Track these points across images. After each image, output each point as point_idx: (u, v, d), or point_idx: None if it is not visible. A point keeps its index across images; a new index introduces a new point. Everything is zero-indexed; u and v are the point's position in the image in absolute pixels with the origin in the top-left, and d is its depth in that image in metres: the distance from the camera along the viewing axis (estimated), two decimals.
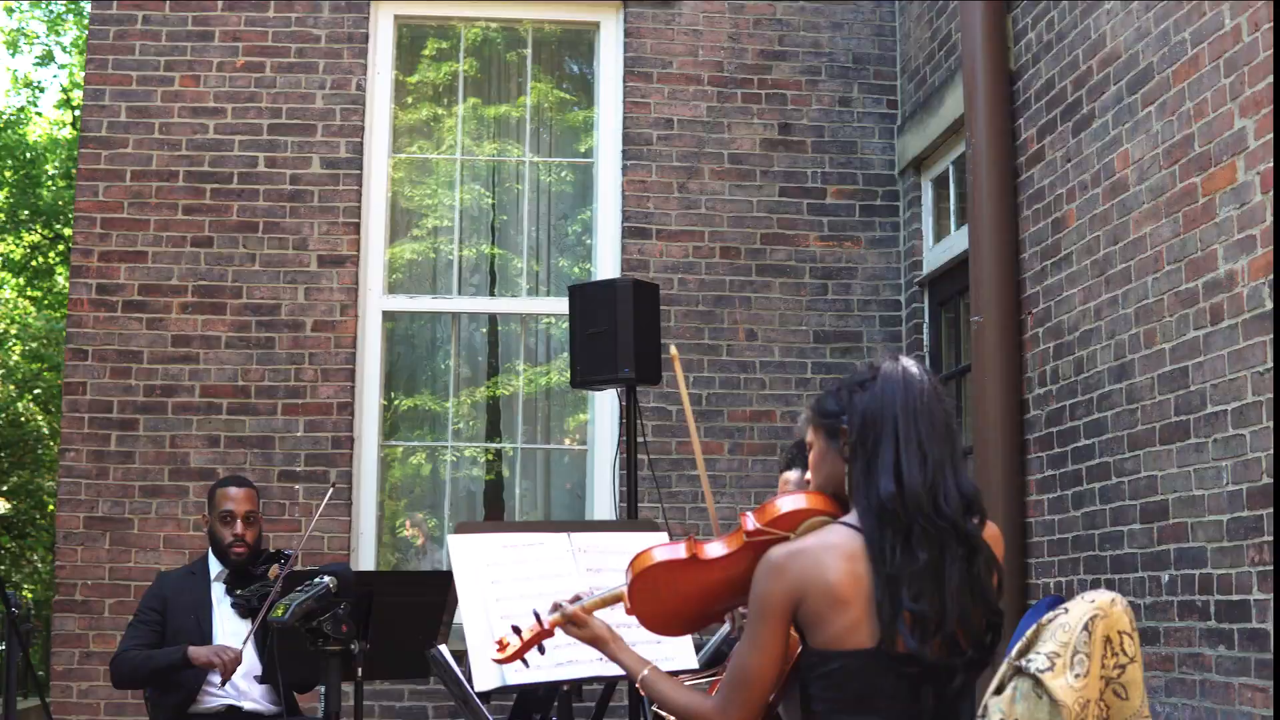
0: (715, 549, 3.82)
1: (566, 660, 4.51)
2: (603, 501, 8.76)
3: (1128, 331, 6.49)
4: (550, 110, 9.62)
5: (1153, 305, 6.30)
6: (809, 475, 3.86)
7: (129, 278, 8.69)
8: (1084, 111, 6.96)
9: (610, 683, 6.60)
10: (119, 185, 8.75)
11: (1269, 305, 5.48)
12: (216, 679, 6.54)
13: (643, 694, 3.90)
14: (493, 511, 9.28)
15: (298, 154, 8.79)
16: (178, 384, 8.58)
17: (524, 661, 4.09)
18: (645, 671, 3.84)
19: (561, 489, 9.28)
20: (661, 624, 3.95)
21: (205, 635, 6.73)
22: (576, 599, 4.04)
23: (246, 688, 6.64)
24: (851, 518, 3.60)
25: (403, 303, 9.12)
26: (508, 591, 4.56)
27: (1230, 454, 5.69)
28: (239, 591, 6.78)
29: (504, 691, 4.97)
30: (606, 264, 9.01)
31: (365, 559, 8.52)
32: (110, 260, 8.70)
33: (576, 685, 4.95)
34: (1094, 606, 3.64)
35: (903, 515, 3.50)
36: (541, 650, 4.12)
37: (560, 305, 9.20)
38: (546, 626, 4.00)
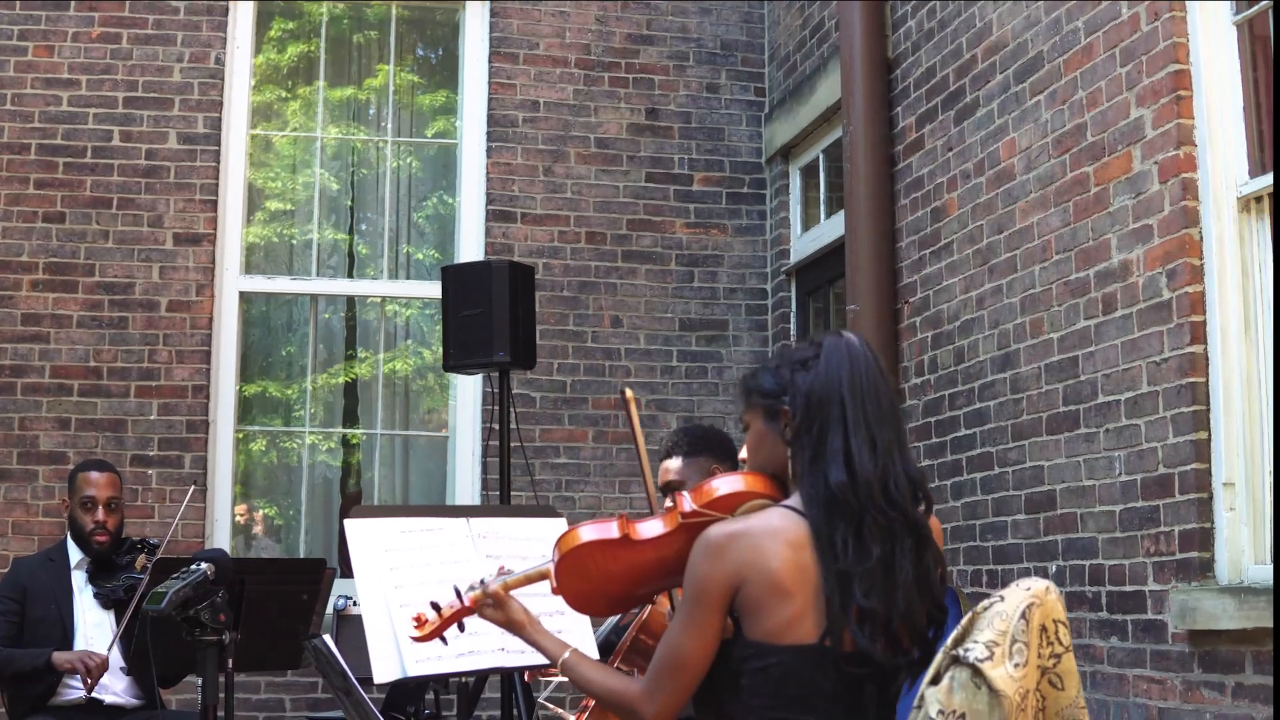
0: (648, 529, 3.65)
1: (468, 650, 4.33)
2: (464, 489, 8.57)
3: (1012, 321, 6.45)
4: (414, 90, 9.39)
5: (1040, 294, 6.27)
6: (743, 455, 3.71)
7: None
8: (967, 100, 6.92)
9: (483, 676, 6.43)
10: None
11: (1166, 295, 5.46)
12: (79, 684, 6.25)
13: (565, 678, 3.74)
14: (349, 500, 9.03)
15: (154, 128, 8.48)
16: (27, 364, 8.22)
17: (442, 639, 3.90)
18: (566, 655, 3.66)
19: (421, 476, 9.07)
20: (587, 604, 3.80)
21: (66, 626, 6.41)
22: (501, 574, 3.86)
23: (109, 681, 6.34)
24: (795, 502, 3.42)
25: (260, 284, 8.84)
26: (407, 579, 4.36)
27: (1123, 444, 5.66)
28: (106, 584, 6.48)
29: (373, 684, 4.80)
30: (470, 248, 8.81)
31: (220, 547, 8.23)
32: None
33: (456, 678, 4.79)
34: (1030, 594, 3.51)
35: (854, 506, 3.32)
36: (461, 628, 3.94)
37: (421, 289, 9.01)
38: (468, 603, 3.81)
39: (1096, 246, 5.90)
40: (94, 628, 6.46)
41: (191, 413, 8.32)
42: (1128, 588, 5.60)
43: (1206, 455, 5.28)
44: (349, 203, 9.25)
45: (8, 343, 8.21)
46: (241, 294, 8.69)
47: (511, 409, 7.13)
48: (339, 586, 6.99)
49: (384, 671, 4.24)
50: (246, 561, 7.21)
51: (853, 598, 3.28)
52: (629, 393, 4.06)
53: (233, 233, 8.63)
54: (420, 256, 9.23)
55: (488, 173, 8.87)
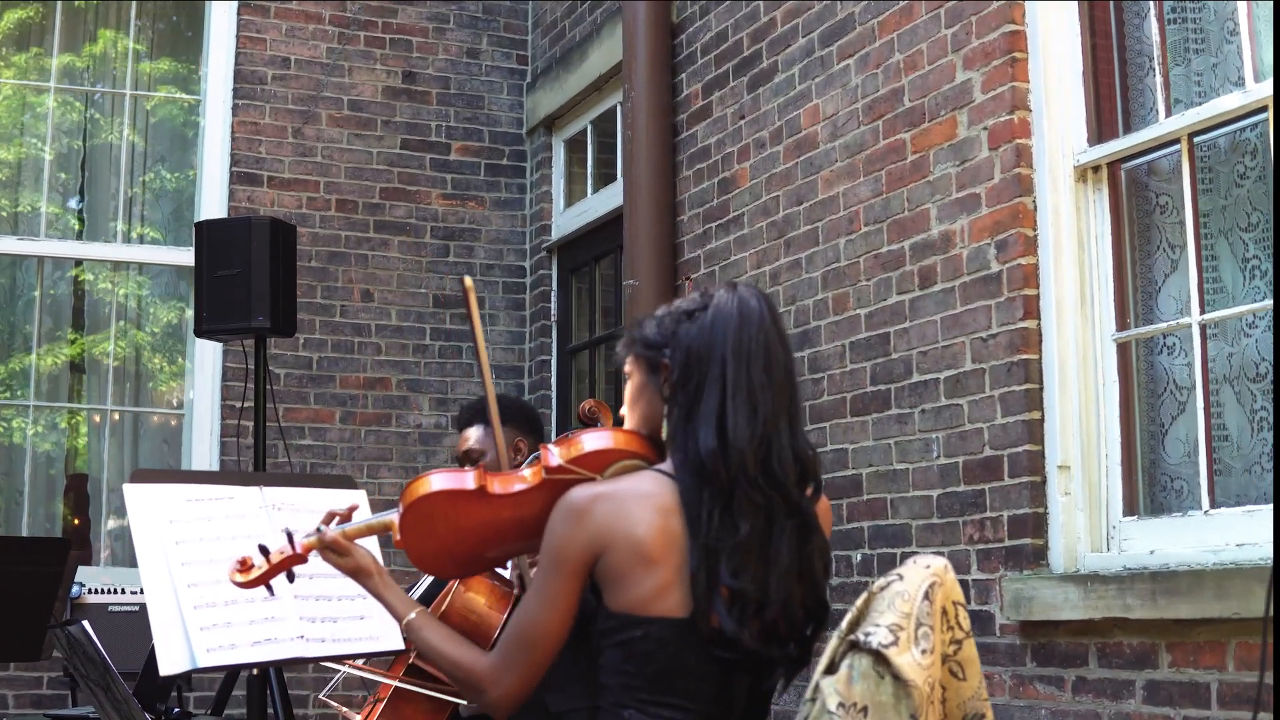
0: (508, 483, 3.21)
1: (264, 638, 3.78)
2: (201, 468, 7.91)
3: (812, 297, 6.11)
4: (156, 41, 8.65)
5: (845, 269, 5.94)
6: (624, 411, 3.27)
7: None
8: (764, 65, 6.57)
9: (233, 672, 5.83)
10: None
11: (995, 267, 5.16)
12: None
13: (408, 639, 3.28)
14: (74, 482, 8.28)
15: None
16: None
17: (268, 588, 3.36)
18: (412, 614, 3.22)
19: (154, 457, 8.36)
20: (433, 562, 3.35)
21: None
22: (335, 519, 3.35)
23: None
24: (668, 466, 3.06)
25: None
26: (194, 554, 3.80)
27: (942, 425, 5.36)
28: None
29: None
30: (212, 211, 8.14)
31: None
32: None
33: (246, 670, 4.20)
34: (930, 573, 3.11)
35: (724, 476, 2.97)
36: (290, 578, 3.41)
37: (157, 254, 8.33)
38: (299, 550, 3.32)
39: (913, 217, 5.59)
40: None
41: None
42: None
43: (1040, 436, 4.99)
44: (84, 158, 8.47)
45: None
46: None
47: (269, 383, 6.53)
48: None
49: (170, 662, 3.67)
50: None
51: (719, 576, 2.94)
52: (468, 281, 3.59)
53: None
54: (157, 221, 8.52)
55: (233, 132, 8.25)
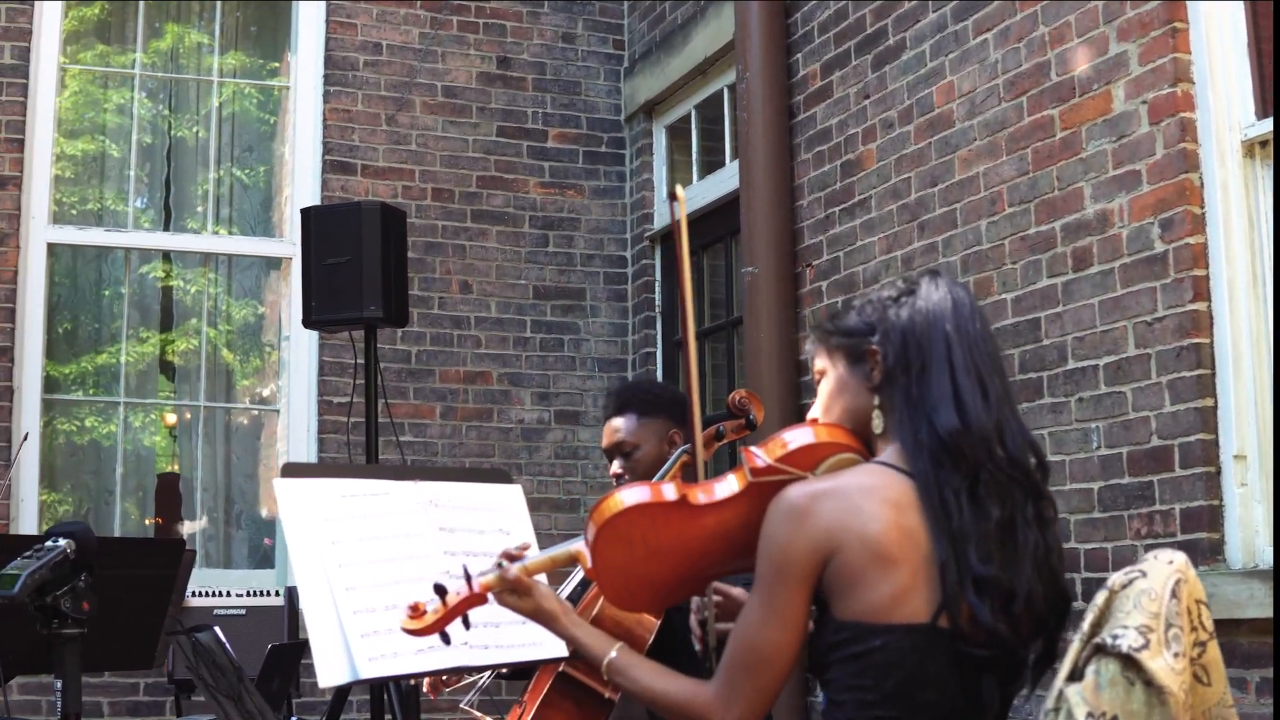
0: (710, 491, 2.90)
1: (428, 645, 3.50)
2: None
3: None
4: (244, 27, 8.44)
5: (989, 251, 5.68)
6: (813, 415, 3.01)
7: None
8: (889, 43, 6.33)
9: (344, 690, 5.54)
10: None
11: (1160, 247, 4.90)
12: None
13: (612, 681, 2.98)
14: (166, 482, 8.07)
15: None
16: None
17: (443, 637, 3.07)
18: (613, 653, 2.91)
19: (248, 453, 8.15)
20: (629, 593, 2.99)
21: None
22: (511, 557, 3.05)
23: None
24: (889, 457, 2.80)
25: (70, 235, 7.85)
26: (351, 555, 3.52)
27: (1102, 414, 5.10)
28: None
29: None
30: (304, 201, 7.91)
31: (27, 530, 7.21)
32: None
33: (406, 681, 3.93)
34: (1174, 569, 2.85)
35: (969, 457, 2.71)
36: (466, 623, 3.10)
37: (247, 245, 8.14)
38: (477, 590, 2.98)
39: (1064, 196, 5.33)
40: None
41: None
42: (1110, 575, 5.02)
43: (1213, 425, 4.73)
44: (170, 148, 8.26)
45: None
46: (50, 245, 7.69)
47: (379, 377, 6.30)
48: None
49: (330, 673, 3.39)
50: (99, 540, 6.18)
51: (970, 566, 2.68)
52: (680, 191, 3.19)
53: (40, 176, 7.62)
54: (241, 214, 8.32)
55: (324, 119, 8.02)
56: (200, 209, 8.20)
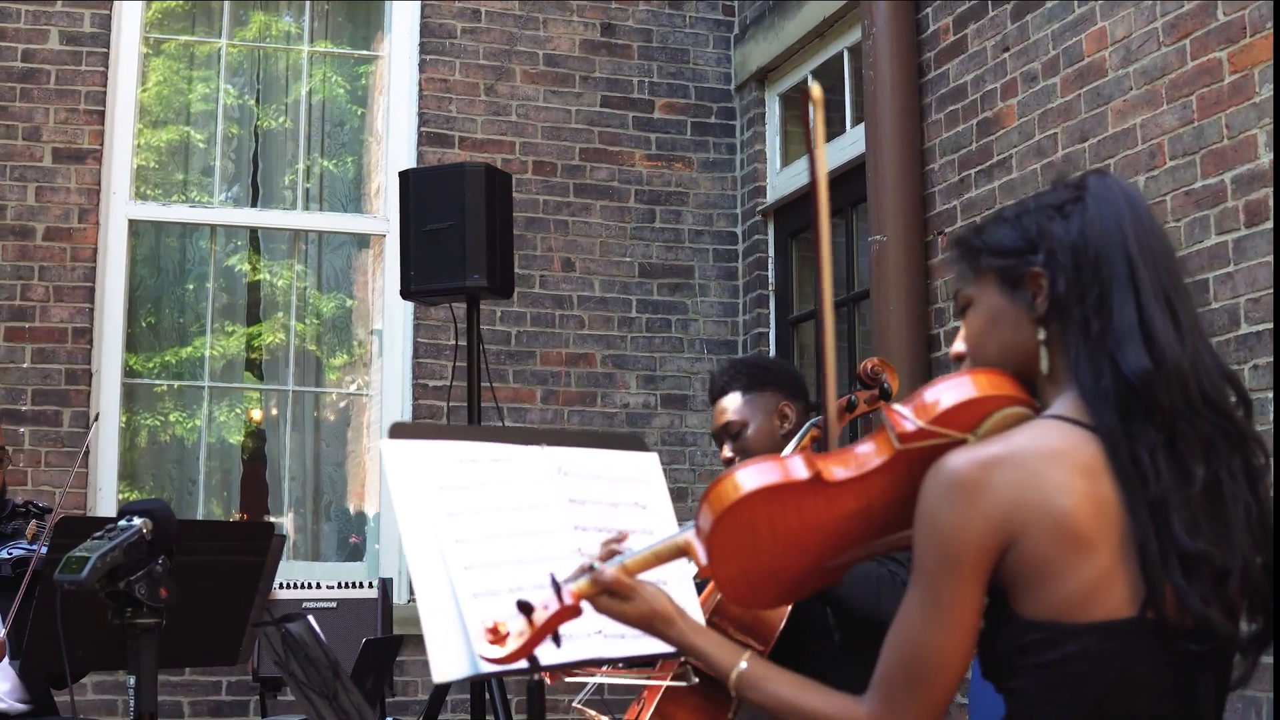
0: (848, 464, 2.38)
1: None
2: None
3: None
4: (333, 9, 8.06)
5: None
6: (959, 349, 2.52)
7: None
8: None
9: (444, 687, 5.08)
10: None
11: None
12: None
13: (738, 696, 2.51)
14: (252, 470, 7.70)
15: (31, 25, 7.12)
16: None
17: (531, 662, 2.57)
18: (743, 664, 2.42)
19: (338, 442, 7.77)
20: (750, 590, 2.48)
21: None
22: (612, 553, 2.56)
23: None
24: (1065, 408, 2.30)
25: (153, 210, 7.50)
26: (470, 529, 3.03)
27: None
28: None
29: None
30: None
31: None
32: None
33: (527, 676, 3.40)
34: None
35: (1164, 404, 2.22)
36: (557, 641, 2.56)
37: (337, 221, 7.78)
38: (569, 602, 2.46)
39: (1235, 146, 4.84)
40: None
41: (71, 360, 6.98)
42: None
43: None
44: (258, 121, 7.90)
45: None
46: (131, 222, 7.34)
47: (482, 353, 5.89)
48: None
49: (445, 666, 2.89)
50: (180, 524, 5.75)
51: (1174, 541, 2.17)
52: (816, 91, 2.69)
53: (121, 150, 7.29)
54: (344, 181, 7.94)
55: (420, 90, 7.63)
56: (289, 192, 7.83)
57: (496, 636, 2.46)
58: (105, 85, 7.21)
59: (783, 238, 7.76)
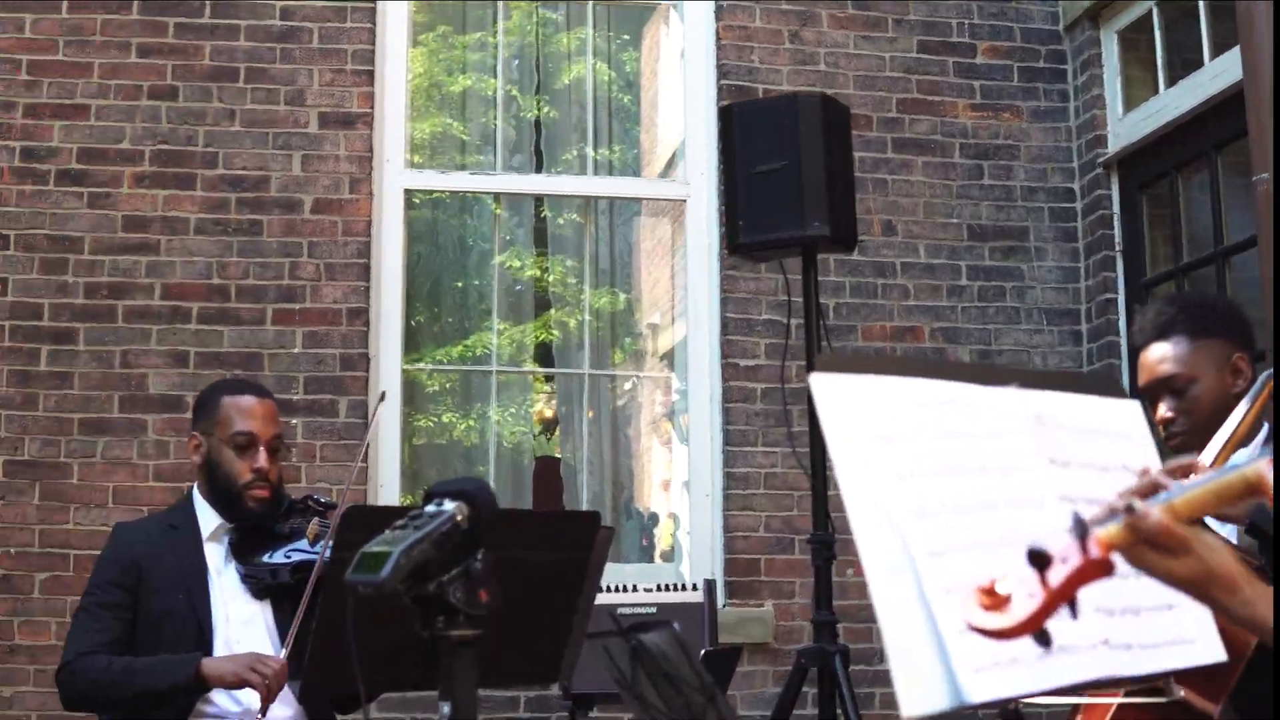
0: None
1: (1058, 646, 2.22)
2: (700, 446, 6.65)
3: None
4: None
5: None
6: None
7: (64, 139, 6.48)
8: None
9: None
10: (51, 18, 6.55)
11: None
12: (249, 706, 4.23)
13: None
14: (546, 465, 7.12)
15: None
16: (131, 282, 6.39)
17: (1039, 639, 1.87)
18: None
19: (635, 432, 7.14)
20: None
21: (202, 623, 4.36)
22: (1154, 486, 1.95)
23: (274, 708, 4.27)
24: None
25: (431, 179, 7.02)
26: (930, 497, 2.23)
27: None
28: (259, 562, 4.45)
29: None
30: (697, 135, 6.92)
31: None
32: (40, 116, 6.48)
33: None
34: None
35: None
36: (1074, 610, 1.89)
37: (633, 186, 7.17)
38: (1095, 554, 1.84)
39: None
40: (241, 625, 4.39)
41: (346, 344, 6.45)
42: None
43: None
44: (539, 79, 7.36)
45: (105, 254, 6.43)
46: (407, 192, 6.84)
47: (820, 315, 5.19)
48: None
49: (917, 699, 2.11)
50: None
51: None
52: None
53: (394, 114, 6.77)
54: (634, 144, 7.36)
55: (718, 38, 6.98)
56: (576, 146, 7.27)
57: (993, 600, 1.89)
58: (374, 43, 6.73)
59: (1130, 191, 6.92)
